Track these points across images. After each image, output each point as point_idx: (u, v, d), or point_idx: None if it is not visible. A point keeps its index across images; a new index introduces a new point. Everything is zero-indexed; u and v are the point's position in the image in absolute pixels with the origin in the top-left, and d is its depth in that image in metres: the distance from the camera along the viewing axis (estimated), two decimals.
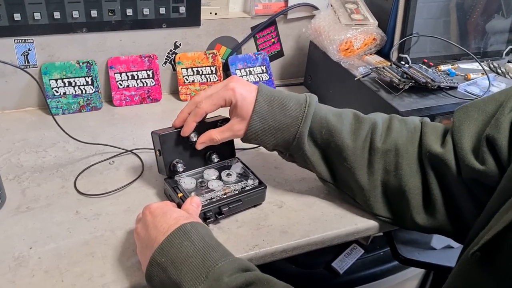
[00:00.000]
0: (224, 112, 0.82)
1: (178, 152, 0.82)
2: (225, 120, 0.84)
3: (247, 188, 0.81)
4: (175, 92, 1.18)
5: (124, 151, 0.94)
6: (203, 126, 0.81)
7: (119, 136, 1.00)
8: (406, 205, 0.75)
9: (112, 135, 1.00)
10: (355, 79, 0.98)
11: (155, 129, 0.82)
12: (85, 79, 1.06)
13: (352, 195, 0.81)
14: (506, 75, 1.04)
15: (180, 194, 0.78)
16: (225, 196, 0.79)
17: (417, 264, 0.89)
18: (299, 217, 0.81)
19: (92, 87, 1.07)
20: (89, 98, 1.07)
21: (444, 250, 0.92)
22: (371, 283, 1.08)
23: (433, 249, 0.92)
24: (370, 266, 1.09)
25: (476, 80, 1.00)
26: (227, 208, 0.78)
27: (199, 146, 0.80)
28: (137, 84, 1.10)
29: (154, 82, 1.12)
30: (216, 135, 0.79)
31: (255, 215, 0.81)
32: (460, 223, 0.73)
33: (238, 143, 0.84)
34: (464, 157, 0.68)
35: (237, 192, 0.80)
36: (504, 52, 1.15)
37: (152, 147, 0.83)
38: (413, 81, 0.93)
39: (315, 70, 1.14)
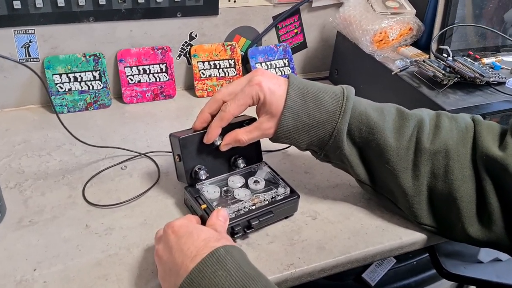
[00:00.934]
0: (250, 112, 0.73)
1: (200, 157, 0.72)
2: (252, 120, 0.75)
3: (278, 197, 0.72)
4: (190, 88, 1.09)
5: (138, 154, 0.85)
6: (227, 127, 0.72)
7: (131, 137, 0.90)
8: (457, 215, 0.67)
9: (123, 136, 0.91)
10: (392, 73, 0.88)
11: (172, 131, 0.73)
12: (92, 74, 0.96)
13: (393, 199, 0.72)
14: None
15: (203, 206, 0.68)
16: (254, 208, 0.70)
17: (463, 279, 0.80)
18: (336, 230, 0.72)
19: (100, 82, 0.97)
20: (96, 94, 0.97)
21: (492, 263, 0.83)
22: None
23: (480, 262, 0.83)
24: (404, 277, 1.01)
25: None
26: (257, 222, 0.69)
27: (223, 148, 0.71)
28: (149, 79, 1.01)
29: (167, 77, 1.02)
30: (243, 136, 0.70)
31: (287, 228, 0.72)
32: None
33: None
34: None
35: (267, 202, 0.71)
36: None
37: (170, 150, 0.74)
38: (459, 76, 0.83)
39: (343, 63, 1.05)
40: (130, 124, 0.95)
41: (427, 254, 1.06)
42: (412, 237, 0.73)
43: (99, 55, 0.96)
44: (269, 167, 0.78)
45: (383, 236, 0.72)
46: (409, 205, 0.70)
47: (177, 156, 0.72)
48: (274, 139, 0.71)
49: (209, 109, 0.70)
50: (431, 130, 0.68)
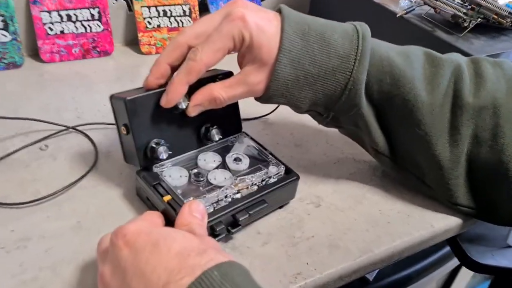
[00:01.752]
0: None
1: (157, 128, 0.50)
2: (228, 75, 0.53)
3: (271, 180, 0.52)
4: (133, 43, 0.84)
5: (64, 128, 0.60)
6: (195, 85, 0.50)
7: (54, 106, 0.65)
8: (507, 191, 0.51)
9: (43, 105, 0.65)
10: (397, 15, 0.70)
11: (114, 92, 0.50)
12: None
13: (420, 174, 0.55)
14: None
15: (166, 197, 0.47)
16: (239, 196, 0.49)
17: (493, 270, 0.65)
18: (349, 221, 0.53)
19: (6, 33, 0.70)
20: (2, 49, 0.71)
21: None
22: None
23: (509, 247, 0.68)
24: (403, 267, 0.84)
25: None
26: (247, 216, 0.48)
27: (192, 110, 0.49)
28: (77, 29, 0.75)
29: (101, 27, 0.77)
30: (221, 92, 0.49)
31: (283, 221, 0.52)
32: None
33: None
34: None
35: (256, 187, 0.50)
36: None
37: (111, 122, 0.52)
38: (482, 16, 0.66)
39: (326, 8, 0.85)
40: (51, 89, 0.69)
41: None
42: (445, 223, 0.55)
43: None
44: (252, 139, 0.57)
45: (410, 225, 0.54)
46: (443, 180, 0.52)
47: (123, 128, 0.49)
48: (265, 98, 0.50)
49: (168, 58, 0.48)
50: (471, 80, 0.51)
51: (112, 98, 0.50)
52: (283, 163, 0.53)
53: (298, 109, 0.52)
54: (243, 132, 0.58)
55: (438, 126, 0.50)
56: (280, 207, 0.54)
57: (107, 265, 0.36)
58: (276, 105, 0.69)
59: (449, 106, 0.50)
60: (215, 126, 0.53)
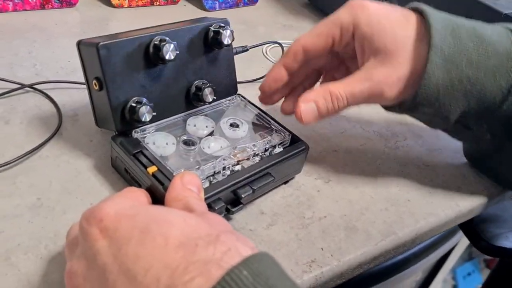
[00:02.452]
0: None
1: (138, 83, 0.40)
2: (224, 24, 0.44)
3: (276, 150, 0.43)
4: None
5: (19, 86, 0.49)
6: (182, 34, 0.41)
7: (6, 61, 0.54)
8: None
9: None
10: None
11: (82, 38, 0.40)
12: None
13: None
14: None
15: (152, 169, 0.37)
16: (240, 168, 0.40)
17: (509, 253, 0.59)
18: (366, 199, 0.46)
19: None
20: None
21: None
22: (394, 277, 0.78)
23: None
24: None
25: None
26: (250, 192, 0.39)
27: (307, 113, 0.41)
28: None
29: None
30: (339, 89, 0.40)
31: (290, 199, 0.44)
32: None
33: None
34: None
35: (260, 158, 0.42)
36: None
37: (77, 80, 0.42)
38: None
39: None
40: (3, 41, 0.58)
41: None
42: (471, 202, 0.49)
43: None
44: (250, 102, 0.48)
45: (433, 203, 0.47)
46: None
47: (94, 82, 0.39)
48: (408, 107, 0.41)
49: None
50: None
51: (81, 44, 0.40)
52: (288, 130, 0.45)
53: (444, 121, 0.42)
54: (239, 94, 0.49)
55: None
56: (285, 182, 0.45)
57: (77, 260, 0.26)
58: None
59: None
60: (207, 86, 0.44)
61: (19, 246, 0.34)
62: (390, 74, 0.39)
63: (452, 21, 0.39)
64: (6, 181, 0.39)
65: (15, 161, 0.40)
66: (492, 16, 0.54)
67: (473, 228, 0.60)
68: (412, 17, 0.40)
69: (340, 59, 0.46)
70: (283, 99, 0.48)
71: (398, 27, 0.39)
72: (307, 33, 0.42)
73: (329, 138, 0.52)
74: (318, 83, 0.49)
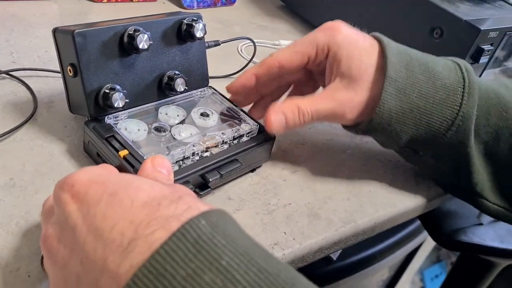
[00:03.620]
0: None
1: (111, 71, 0.42)
2: (196, 18, 0.46)
3: (244, 138, 0.45)
4: None
5: None
6: (157, 25, 0.43)
7: None
8: None
9: None
10: None
11: (58, 26, 0.42)
12: None
13: None
14: None
15: (123, 152, 0.39)
16: (209, 154, 0.42)
17: (466, 247, 0.62)
18: (329, 189, 0.48)
19: None
20: None
21: (492, 225, 0.66)
22: (368, 268, 0.80)
23: (480, 224, 0.66)
24: (367, 246, 0.81)
25: None
26: (218, 176, 0.41)
27: (274, 125, 0.43)
28: None
29: None
30: (305, 105, 0.43)
31: (257, 187, 0.46)
32: None
33: None
34: None
35: (228, 145, 0.44)
36: None
37: (52, 68, 0.43)
38: None
39: None
40: None
41: None
42: (428, 195, 0.51)
43: None
44: (220, 94, 0.50)
45: (392, 195, 0.50)
46: None
47: (69, 68, 0.41)
48: (363, 129, 0.45)
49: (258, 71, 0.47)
50: None
51: (56, 32, 0.41)
52: (256, 121, 0.47)
53: (394, 145, 0.46)
54: (210, 86, 0.51)
55: None
56: (252, 170, 0.47)
57: (51, 226, 0.28)
58: (245, 64, 0.62)
59: None
60: (180, 75, 0.46)
61: None
62: (352, 98, 0.42)
63: (407, 54, 0.43)
64: None
65: None
66: (453, 22, 0.57)
67: (433, 223, 0.63)
68: (375, 47, 0.43)
69: (310, 75, 0.50)
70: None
71: (365, 56, 0.42)
72: (284, 50, 0.45)
73: (297, 132, 0.55)
74: (286, 94, 0.52)
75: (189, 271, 0.21)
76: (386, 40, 0.44)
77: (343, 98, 0.42)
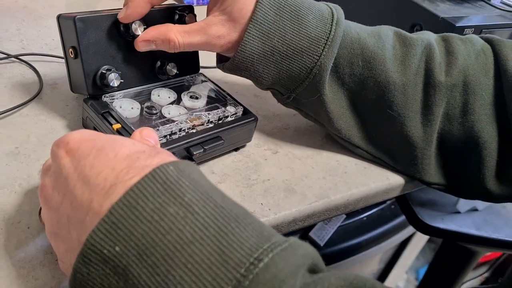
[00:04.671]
0: None
1: (109, 54, 0.47)
2: (187, 8, 0.51)
3: (228, 119, 0.49)
4: None
5: (5, 56, 0.55)
6: (152, 15, 0.47)
7: None
8: (476, 167, 0.51)
9: None
10: None
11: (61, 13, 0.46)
12: None
13: (391, 161, 0.54)
14: None
15: (116, 126, 0.43)
16: (194, 131, 0.46)
17: (443, 234, 0.65)
18: (306, 168, 0.52)
19: None
20: None
21: (470, 213, 0.69)
22: (355, 256, 0.84)
23: (457, 213, 0.69)
24: (354, 235, 0.85)
25: None
26: (201, 150, 0.46)
27: (142, 46, 0.46)
28: None
29: None
30: (177, 35, 0.45)
31: (240, 164, 0.50)
32: None
33: None
34: None
35: (212, 125, 0.48)
36: None
37: (57, 54, 0.48)
38: None
39: None
40: None
41: (378, 209, 0.91)
42: (400, 178, 0.55)
43: None
44: (210, 80, 0.55)
45: (367, 176, 0.53)
46: (416, 160, 0.52)
47: (70, 50, 0.45)
48: (228, 68, 0.48)
49: None
50: (443, 58, 0.50)
51: (60, 18, 0.46)
52: (241, 104, 0.51)
53: (259, 84, 0.50)
54: (201, 73, 0.55)
55: (411, 107, 0.49)
56: (236, 149, 0.52)
57: (48, 177, 0.32)
58: None
59: (421, 85, 0.49)
60: (171, 62, 0.50)
61: None
62: (225, 35, 0.45)
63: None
64: None
65: None
66: (431, 19, 0.61)
67: (412, 210, 0.67)
68: None
69: None
70: None
71: (250, 1, 0.44)
72: None
73: (281, 118, 0.59)
74: None
75: (156, 204, 0.26)
76: None
77: (216, 33, 0.45)
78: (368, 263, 0.97)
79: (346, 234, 0.83)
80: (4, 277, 0.33)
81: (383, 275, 1.10)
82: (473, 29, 0.61)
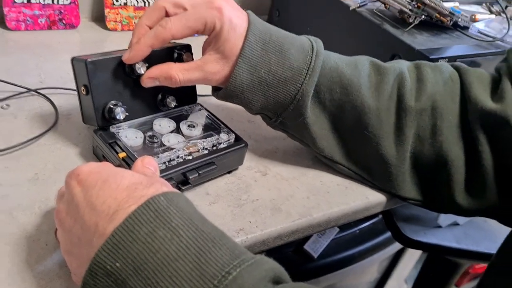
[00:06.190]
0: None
1: (115, 91, 0.53)
2: (185, 48, 0.57)
3: (221, 145, 0.56)
4: (99, 19, 0.86)
5: (25, 90, 0.62)
6: (154, 55, 0.54)
7: (17, 70, 0.67)
8: (446, 183, 0.57)
9: (6, 69, 0.67)
10: (350, 8, 0.75)
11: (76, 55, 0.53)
12: None
13: (369, 177, 0.60)
14: (510, 20, 0.88)
15: (121, 154, 0.50)
16: (190, 158, 0.53)
17: (424, 246, 0.71)
18: (292, 189, 0.58)
19: None
20: None
21: (451, 228, 0.75)
22: (348, 267, 0.89)
23: (439, 227, 0.74)
24: (347, 247, 0.90)
25: (486, 22, 0.82)
26: (196, 175, 0.52)
27: (147, 82, 0.53)
28: (44, 0, 0.77)
29: (68, 0, 0.79)
30: (178, 73, 0.52)
31: (232, 185, 0.56)
32: None
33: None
34: None
35: (207, 151, 0.54)
36: None
37: (72, 87, 0.54)
38: (426, 14, 0.72)
39: (287, 2, 0.89)
40: (15, 54, 0.71)
41: (370, 222, 0.96)
42: (379, 197, 0.61)
43: None
44: (206, 110, 0.61)
45: (347, 196, 0.59)
46: (392, 177, 0.58)
47: (83, 88, 0.52)
48: (221, 96, 0.54)
49: (149, 19, 0.51)
50: (413, 85, 0.56)
51: (74, 60, 0.53)
52: (233, 132, 0.57)
53: (249, 110, 0.56)
54: (198, 103, 0.61)
55: (385, 128, 0.55)
56: (229, 172, 0.58)
57: (62, 204, 0.39)
58: None
59: (394, 109, 0.55)
60: (170, 95, 0.57)
61: (19, 206, 0.47)
62: (219, 71, 0.52)
63: (268, 35, 0.52)
64: (12, 160, 0.52)
65: (19, 146, 0.53)
66: (409, 50, 0.67)
67: (396, 225, 0.72)
68: (246, 26, 0.51)
69: None
70: None
71: (238, 39, 0.51)
72: (177, 23, 0.49)
73: (272, 142, 0.65)
74: None
75: (149, 228, 0.32)
76: (253, 22, 0.52)
77: (212, 70, 0.52)
78: (364, 273, 1.02)
79: (339, 246, 0.89)
80: (26, 278, 0.40)
81: (380, 285, 1.15)
82: (447, 59, 0.66)
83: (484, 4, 0.93)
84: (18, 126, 0.57)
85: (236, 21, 0.51)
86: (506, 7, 0.96)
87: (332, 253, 0.88)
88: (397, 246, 0.99)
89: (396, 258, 1.07)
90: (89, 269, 0.32)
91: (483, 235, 0.74)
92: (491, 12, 0.91)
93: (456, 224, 0.76)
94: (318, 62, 0.53)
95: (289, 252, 0.86)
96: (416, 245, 0.71)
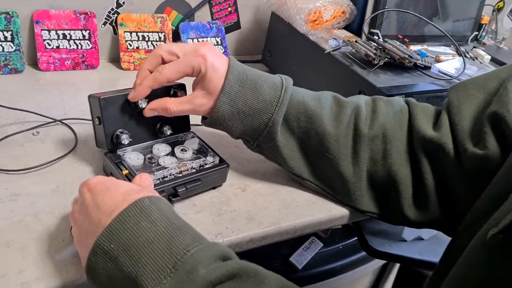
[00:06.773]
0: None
1: (122, 121, 0.67)
2: (180, 87, 0.71)
3: (207, 166, 0.68)
4: (115, 60, 1.02)
5: (52, 120, 0.77)
6: (154, 92, 0.67)
7: (46, 105, 0.82)
8: (396, 198, 0.67)
9: (37, 103, 0.82)
10: (326, 51, 0.88)
11: (91, 93, 0.67)
12: (3, 34, 0.87)
13: (332, 192, 0.71)
14: (475, 60, 0.99)
15: (125, 172, 0.63)
16: (180, 175, 0.65)
17: (388, 257, 0.81)
18: (266, 202, 0.70)
19: (12, 44, 0.88)
20: (7, 57, 0.88)
21: (415, 242, 0.84)
22: (330, 279, 0.99)
23: (404, 241, 0.84)
24: (330, 261, 1.00)
25: (448, 62, 0.94)
26: (184, 189, 0.64)
27: (148, 113, 0.66)
28: (70, 46, 0.93)
29: (90, 45, 0.94)
30: (172, 106, 0.65)
31: (215, 199, 0.68)
32: (455, 213, 0.65)
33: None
34: (464, 140, 0.60)
35: (194, 170, 0.67)
36: (470, 38, 1.11)
37: (90, 118, 0.68)
38: (389, 57, 0.85)
39: (277, 44, 1.03)
40: (45, 91, 0.86)
41: (353, 239, 1.06)
42: (341, 211, 0.71)
43: (12, 13, 0.87)
44: (198, 137, 0.74)
45: (313, 209, 0.70)
46: (350, 193, 0.68)
47: (96, 119, 0.66)
48: (207, 123, 0.67)
49: (149, 65, 0.65)
50: (368, 116, 0.67)
51: (90, 97, 0.66)
52: (218, 155, 0.70)
53: (231, 135, 0.69)
54: (192, 131, 0.74)
55: (343, 151, 0.67)
56: (214, 188, 0.70)
57: (77, 206, 0.52)
58: None
59: (351, 136, 0.67)
60: (166, 124, 0.70)
61: (44, 210, 0.60)
62: (206, 104, 0.64)
63: (245, 74, 0.64)
64: (39, 176, 0.65)
65: (45, 165, 0.67)
66: (371, 88, 0.79)
67: (364, 237, 0.82)
68: (226, 67, 0.64)
69: None
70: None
71: (220, 79, 0.63)
72: (171, 68, 0.62)
73: (253, 164, 0.77)
74: None
75: (135, 220, 0.44)
76: (232, 63, 0.64)
77: (199, 103, 0.64)
78: (349, 286, 1.12)
79: (322, 260, 0.99)
80: (49, 271, 0.52)
81: None
82: (403, 95, 0.78)
83: (452, 46, 1.05)
84: (45, 149, 0.71)
85: (217, 65, 0.64)
86: (473, 48, 1.08)
87: (316, 265, 0.98)
88: (378, 262, 1.09)
89: (381, 274, 1.16)
90: (92, 249, 0.45)
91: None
92: (458, 53, 1.02)
93: (420, 239, 0.85)
94: (286, 96, 0.65)
95: (276, 264, 0.96)
96: (381, 255, 0.81)
